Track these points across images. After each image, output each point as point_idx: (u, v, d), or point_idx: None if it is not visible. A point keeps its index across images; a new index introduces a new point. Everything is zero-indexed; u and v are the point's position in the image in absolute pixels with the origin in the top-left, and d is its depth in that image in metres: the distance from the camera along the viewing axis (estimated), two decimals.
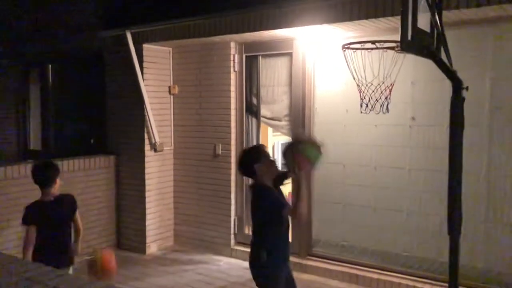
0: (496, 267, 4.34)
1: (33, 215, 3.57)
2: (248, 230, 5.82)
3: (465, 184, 4.05)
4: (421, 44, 2.70)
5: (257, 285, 3.28)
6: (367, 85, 4.02)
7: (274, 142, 6.58)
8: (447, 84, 2.91)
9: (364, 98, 4.05)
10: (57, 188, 3.69)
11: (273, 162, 3.37)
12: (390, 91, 4.02)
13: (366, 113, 4.06)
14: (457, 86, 2.73)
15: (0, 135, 7.91)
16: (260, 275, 3.23)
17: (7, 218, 5.01)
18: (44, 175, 3.68)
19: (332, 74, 5.10)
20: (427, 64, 2.82)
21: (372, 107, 4.04)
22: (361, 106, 4.09)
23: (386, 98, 3.99)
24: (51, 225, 3.57)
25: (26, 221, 3.53)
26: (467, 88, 2.75)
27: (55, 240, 3.57)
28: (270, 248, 3.18)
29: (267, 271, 3.20)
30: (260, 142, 5.85)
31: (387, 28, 4.42)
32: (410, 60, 4.16)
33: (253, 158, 3.27)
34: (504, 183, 4.28)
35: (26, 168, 5.17)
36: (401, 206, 4.77)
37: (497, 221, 4.32)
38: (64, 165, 5.52)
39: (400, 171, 4.76)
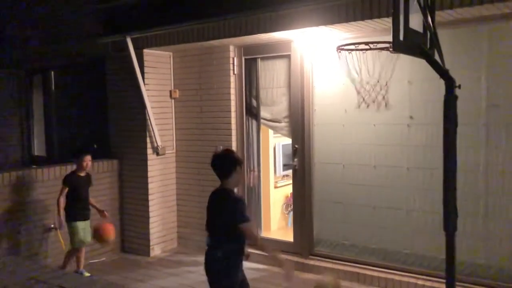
0: (496, 263, 4.38)
1: (65, 179, 5.06)
2: None
3: (463, 181, 4.13)
4: (413, 44, 2.75)
5: (214, 282, 3.29)
6: (362, 84, 4.07)
7: (275, 143, 6.62)
8: (444, 83, 2.95)
9: (360, 94, 4.10)
10: (84, 166, 5.09)
11: (243, 175, 3.41)
12: (384, 89, 4.07)
13: (364, 108, 4.11)
14: (450, 84, 2.78)
15: (5, 141, 8.00)
16: (222, 273, 3.24)
17: (14, 222, 5.08)
18: (72, 156, 5.30)
19: (330, 75, 5.15)
20: (424, 63, 2.87)
21: (367, 106, 4.10)
22: (359, 106, 4.14)
23: (383, 97, 4.04)
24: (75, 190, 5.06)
25: (63, 181, 5.06)
26: (459, 87, 2.79)
27: (80, 201, 5.10)
28: (231, 248, 3.22)
29: (228, 269, 3.24)
30: (261, 144, 5.92)
31: (383, 28, 4.47)
32: (407, 60, 4.21)
33: (235, 162, 3.30)
34: (502, 180, 4.32)
35: (30, 174, 5.26)
36: (400, 204, 4.82)
37: (496, 217, 4.35)
38: (68, 170, 5.58)
39: (399, 169, 4.81)
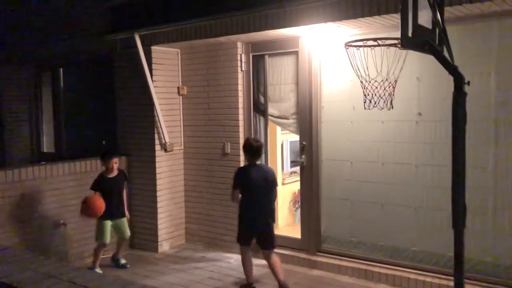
0: (505, 261, 4.35)
1: (94, 184, 5.28)
2: None
3: (472, 178, 4.11)
4: (422, 40, 2.74)
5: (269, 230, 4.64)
6: (370, 82, 4.06)
7: (283, 140, 6.63)
8: (453, 79, 2.94)
9: (368, 94, 4.09)
10: (111, 168, 5.31)
11: None
12: (394, 87, 4.05)
13: (369, 109, 4.11)
14: (459, 81, 2.76)
15: (14, 138, 8.07)
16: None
17: (23, 218, 5.13)
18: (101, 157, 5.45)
19: (338, 72, 5.14)
20: (432, 59, 2.85)
21: (376, 103, 4.08)
22: (365, 102, 4.13)
23: (390, 94, 4.02)
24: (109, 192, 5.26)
25: (92, 187, 5.28)
26: (468, 83, 2.78)
27: (111, 202, 5.23)
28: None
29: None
30: (268, 141, 5.93)
31: (391, 25, 4.46)
32: (416, 56, 4.15)
33: None
34: (511, 177, 4.29)
35: (39, 170, 5.30)
36: (408, 201, 4.80)
37: (505, 215, 4.33)
38: (76, 166, 5.64)
39: (408, 166, 4.79)
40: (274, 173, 4.73)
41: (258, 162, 4.65)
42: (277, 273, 4.49)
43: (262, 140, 5.85)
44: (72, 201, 5.59)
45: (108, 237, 5.25)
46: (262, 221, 4.55)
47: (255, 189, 4.51)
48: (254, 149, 4.55)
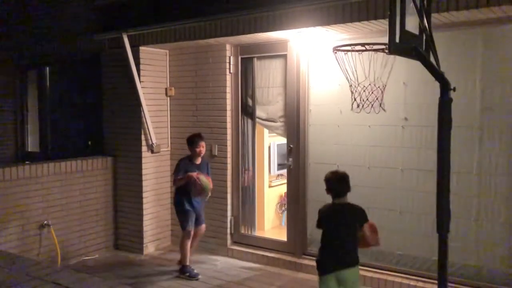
0: (488, 265, 4.41)
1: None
2: (244, 230, 5.88)
3: (456, 183, 4.17)
4: (409, 46, 2.77)
5: None
6: (357, 86, 4.10)
7: (270, 143, 6.64)
8: (439, 85, 2.98)
9: (357, 98, 4.13)
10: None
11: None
12: (382, 92, 4.09)
13: (358, 112, 4.14)
14: (445, 87, 2.80)
15: None
16: None
17: (7, 218, 5.06)
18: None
19: (326, 75, 5.17)
20: (419, 65, 2.89)
21: (362, 107, 4.12)
22: (352, 106, 4.16)
23: (377, 99, 4.06)
24: None
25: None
26: (454, 89, 2.82)
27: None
28: None
29: None
30: (256, 143, 5.92)
31: (379, 30, 4.50)
32: (403, 62, 4.22)
33: None
34: (494, 182, 4.35)
35: (24, 170, 5.24)
36: (394, 205, 4.84)
37: (488, 219, 4.39)
38: (62, 166, 5.58)
39: (393, 171, 4.83)
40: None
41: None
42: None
43: (250, 142, 5.86)
44: (57, 202, 5.54)
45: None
46: None
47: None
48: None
